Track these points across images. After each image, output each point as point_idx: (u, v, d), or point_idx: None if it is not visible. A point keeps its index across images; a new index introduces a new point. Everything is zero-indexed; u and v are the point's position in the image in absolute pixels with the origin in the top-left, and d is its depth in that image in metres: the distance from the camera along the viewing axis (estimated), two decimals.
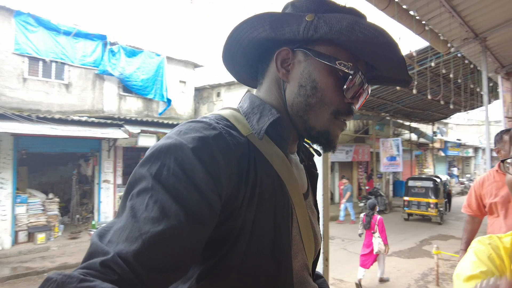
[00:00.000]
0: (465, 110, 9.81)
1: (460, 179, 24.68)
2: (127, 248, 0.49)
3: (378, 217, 5.57)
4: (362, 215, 5.80)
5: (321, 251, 1.73)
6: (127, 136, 8.92)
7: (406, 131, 17.54)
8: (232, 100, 13.68)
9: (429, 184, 11.69)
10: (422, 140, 19.02)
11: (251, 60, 0.80)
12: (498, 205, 2.52)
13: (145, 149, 10.40)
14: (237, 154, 0.63)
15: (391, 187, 15.95)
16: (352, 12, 0.70)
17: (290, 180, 0.71)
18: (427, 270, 6.22)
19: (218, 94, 14.47)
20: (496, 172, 2.58)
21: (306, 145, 0.90)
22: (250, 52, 0.77)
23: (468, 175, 24.34)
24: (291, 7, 0.73)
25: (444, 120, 20.92)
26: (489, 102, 4.79)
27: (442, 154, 23.21)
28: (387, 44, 0.67)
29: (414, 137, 18.02)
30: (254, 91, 0.82)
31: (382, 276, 5.56)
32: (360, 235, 5.62)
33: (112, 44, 10.78)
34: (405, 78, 0.76)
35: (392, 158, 14.17)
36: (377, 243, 5.32)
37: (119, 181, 10.25)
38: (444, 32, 3.60)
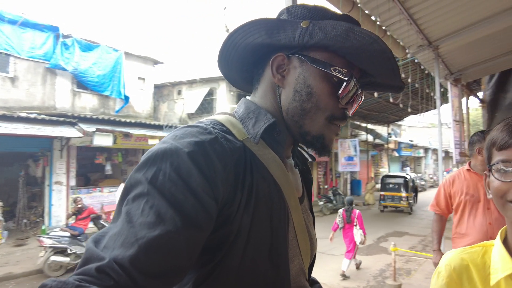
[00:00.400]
0: (420, 113, 10.38)
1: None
2: (123, 253, 0.49)
3: (357, 211, 6.09)
4: (341, 210, 6.26)
5: None
6: (81, 135, 8.40)
7: (363, 133, 18.28)
8: (193, 99, 13.43)
9: (401, 180, 13.82)
10: (377, 141, 19.94)
11: (246, 65, 0.80)
12: (467, 204, 2.56)
13: (101, 148, 9.90)
14: (233, 158, 0.63)
15: (348, 186, 16.55)
16: (346, 19, 0.71)
17: (286, 184, 0.72)
18: (384, 266, 6.49)
19: (179, 92, 14.14)
20: (467, 171, 2.63)
21: (301, 149, 0.91)
22: (246, 57, 0.77)
23: (419, 174, 25.85)
24: (286, 14, 0.75)
25: (398, 122, 22.08)
26: (441, 105, 5.08)
27: (396, 154, 24.47)
28: (381, 51, 0.67)
29: (370, 138, 18.82)
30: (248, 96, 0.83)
31: (345, 270, 5.88)
32: (340, 229, 6.16)
33: (66, 36, 10.15)
34: (398, 85, 0.78)
35: (350, 158, 14.71)
36: (358, 234, 5.84)
37: (73, 182, 9.64)
38: (403, 38, 3.77)
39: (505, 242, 0.79)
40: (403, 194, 13.49)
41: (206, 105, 13.47)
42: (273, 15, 0.80)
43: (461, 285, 0.80)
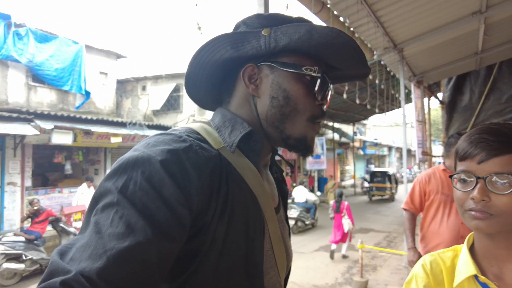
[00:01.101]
0: (384, 113, 10.78)
1: None
2: (91, 266, 0.47)
3: (346, 203, 6.90)
4: (331, 202, 7.16)
5: None
6: (38, 133, 7.85)
7: (330, 131, 18.67)
8: (159, 95, 13.04)
9: (386, 175, 17.15)
10: (343, 139, 20.46)
11: (215, 83, 0.80)
12: (442, 203, 2.59)
13: (59, 147, 9.35)
14: (208, 167, 0.62)
15: (316, 184, 16.85)
16: (302, 21, 0.73)
17: (262, 194, 0.71)
18: (351, 263, 6.64)
19: (144, 88, 13.69)
20: (443, 171, 2.66)
21: (277, 158, 0.90)
22: (214, 74, 0.77)
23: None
24: (243, 26, 0.75)
25: (363, 121, 22.78)
26: (404, 106, 5.24)
27: (361, 152, 25.24)
28: (346, 43, 0.69)
29: (336, 136, 19.26)
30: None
31: (344, 253, 6.86)
32: (331, 218, 7.02)
33: (18, 26, 9.46)
34: (365, 72, 0.80)
35: (317, 156, 14.98)
36: (346, 223, 6.62)
37: (28, 183, 9.01)
38: (370, 40, 3.83)
39: (472, 247, 0.85)
40: (388, 185, 16.85)
41: (173, 102, 13.14)
42: (244, 12, 0.76)
43: (435, 285, 0.84)
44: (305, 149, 0.74)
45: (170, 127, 11.80)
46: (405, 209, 2.85)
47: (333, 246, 6.83)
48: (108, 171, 0.59)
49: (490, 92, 6.09)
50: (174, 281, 0.61)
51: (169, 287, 0.61)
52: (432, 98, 7.77)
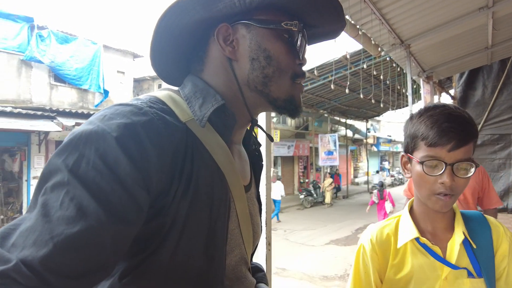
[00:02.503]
0: (393, 109, 10.75)
1: (390, 172, 26.89)
2: (34, 254, 0.43)
3: (387, 191, 8.42)
4: (375, 191, 8.59)
5: (264, 236, 1.83)
6: (60, 129, 8.28)
7: (342, 128, 18.64)
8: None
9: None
10: (357, 136, 20.39)
11: (183, 52, 0.72)
12: None
13: None
14: (172, 143, 0.57)
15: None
16: None
17: (230, 172, 0.67)
18: None
19: (160, 86, 14.03)
20: None
21: (253, 133, 0.86)
22: (183, 41, 0.69)
23: (397, 168, 26.60)
24: None
25: (377, 118, 22.60)
26: (413, 102, 5.31)
27: (375, 149, 25.05)
28: None
29: (349, 133, 19.22)
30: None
31: None
32: (376, 203, 8.38)
33: (41, 28, 9.89)
34: (341, 26, 0.75)
35: (330, 153, 15.01)
36: (388, 206, 7.92)
37: None
38: (375, 37, 3.93)
39: (411, 211, 0.96)
40: None
41: None
42: None
43: (382, 254, 0.93)
44: (295, 109, 0.71)
45: None
46: (406, 196, 3.10)
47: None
48: None
49: (503, 86, 6.07)
50: (130, 261, 0.58)
51: (125, 267, 0.58)
52: (443, 94, 7.76)
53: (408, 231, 0.91)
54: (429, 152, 0.83)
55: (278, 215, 11.11)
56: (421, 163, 0.84)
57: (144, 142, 0.53)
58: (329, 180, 14.44)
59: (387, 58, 5.39)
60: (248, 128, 0.80)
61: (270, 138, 0.90)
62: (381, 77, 4.63)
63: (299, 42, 0.68)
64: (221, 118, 0.67)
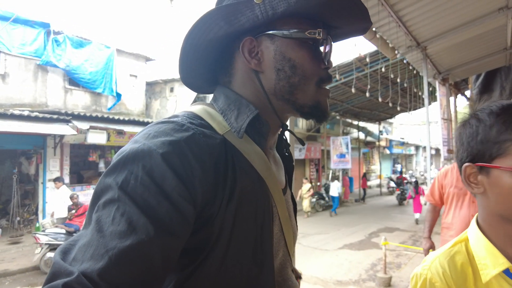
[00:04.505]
0: (409, 111, 10.64)
1: (403, 176, 26.49)
2: (93, 267, 0.46)
3: (422, 187, 10.84)
4: (411, 187, 11.22)
5: None
6: (75, 133, 8.40)
7: (355, 130, 18.48)
8: (186, 96, 13.44)
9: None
10: (369, 138, 20.17)
11: (209, 64, 0.74)
12: (455, 196, 2.74)
13: (94, 146, 9.90)
14: (213, 156, 0.59)
15: (340, 183, 16.74)
16: None
17: (269, 178, 0.69)
18: (375, 261, 6.64)
19: (172, 89, 14.12)
20: (459, 165, 2.78)
21: (285, 136, 0.87)
22: (209, 55, 0.72)
23: (410, 171, 26.21)
24: None
25: (389, 120, 22.35)
26: (429, 104, 5.24)
27: (388, 152, 24.77)
28: None
29: (362, 135, 19.03)
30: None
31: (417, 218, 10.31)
32: (412, 198, 11.04)
33: (57, 33, 10.07)
34: (367, 26, 0.74)
35: (342, 156, 14.88)
36: (423, 200, 8.34)
37: (66, 180, 9.62)
38: (392, 39, 3.89)
39: (483, 233, 0.77)
40: None
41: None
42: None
43: None
44: (322, 115, 0.71)
45: None
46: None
47: (416, 215, 10.51)
48: None
49: None
50: (182, 272, 0.60)
51: (177, 278, 0.60)
52: (459, 95, 7.62)
53: (492, 260, 0.72)
54: None
55: (336, 210, 12.82)
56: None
57: (188, 157, 0.55)
58: (307, 186, 12.62)
59: (404, 61, 5.32)
60: (279, 133, 0.82)
61: (301, 142, 0.89)
62: (398, 80, 4.57)
63: (324, 48, 0.69)
64: (255, 127, 0.69)
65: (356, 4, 0.66)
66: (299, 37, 0.66)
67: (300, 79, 0.67)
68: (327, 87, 0.74)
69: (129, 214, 0.50)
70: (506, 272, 0.70)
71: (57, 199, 7.49)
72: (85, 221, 0.54)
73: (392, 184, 19.71)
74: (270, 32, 0.67)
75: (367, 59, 6.98)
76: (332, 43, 0.72)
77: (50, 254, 6.02)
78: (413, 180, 12.53)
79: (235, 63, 0.71)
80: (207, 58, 0.72)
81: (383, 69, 5.92)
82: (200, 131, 0.60)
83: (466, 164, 0.76)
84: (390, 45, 4.04)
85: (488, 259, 0.72)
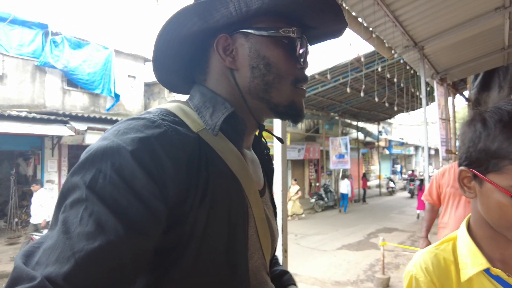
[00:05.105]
0: (407, 111, 10.64)
1: (403, 176, 26.51)
2: (58, 270, 0.44)
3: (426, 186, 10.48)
4: (416, 185, 9.60)
5: (281, 243, 1.79)
6: (73, 134, 8.39)
7: (354, 130, 18.47)
8: (184, 96, 13.43)
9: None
10: (368, 139, 20.16)
11: (184, 61, 0.73)
12: (451, 195, 2.74)
13: None
14: (186, 154, 0.57)
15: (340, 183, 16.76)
16: None
17: (245, 178, 0.67)
18: (374, 261, 6.63)
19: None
20: (458, 165, 2.79)
21: (263, 138, 0.85)
22: (183, 52, 0.71)
23: (409, 172, 26.21)
24: None
25: (389, 120, 22.35)
26: (427, 104, 5.22)
27: (387, 152, 24.76)
28: None
29: (361, 136, 19.02)
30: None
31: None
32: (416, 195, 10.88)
33: (55, 34, 10.06)
34: (342, 27, 0.73)
35: (341, 156, 14.86)
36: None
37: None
38: (388, 39, 3.88)
39: (469, 231, 0.78)
40: None
41: None
42: None
43: (441, 286, 0.75)
44: (297, 114, 0.71)
45: None
46: (425, 201, 3.04)
47: (419, 211, 10.71)
48: None
49: None
50: (153, 273, 0.58)
51: (148, 279, 0.59)
52: (458, 95, 7.62)
53: (473, 260, 0.74)
54: None
55: (346, 207, 13.38)
56: (508, 193, 0.64)
57: (159, 154, 0.54)
58: (295, 188, 11.97)
59: (401, 61, 5.31)
60: (257, 134, 0.80)
61: (280, 140, 0.88)
62: (395, 79, 4.56)
63: (298, 47, 0.68)
64: (231, 125, 0.68)
65: (329, 3, 0.65)
66: (274, 35, 0.66)
67: (275, 77, 0.67)
68: (304, 87, 0.73)
69: (98, 214, 0.48)
70: (487, 272, 0.72)
71: (33, 203, 6.92)
72: (51, 222, 0.52)
73: (392, 184, 19.74)
74: (245, 30, 0.66)
75: (362, 59, 6.97)
76: (308, 43, 0.72)
77: None
78: (421, 177, 13.14)
79: (210, 60, 0.71)
80: (183, 55, 0.71)
81: (379, 69, 5.92)
82: (173, 128, 0.58)
83: (462, 168, 0.74)
84: (387, 45, 4.03)
85: (469, 259, 0.74)
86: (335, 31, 0.75)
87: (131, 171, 0.51)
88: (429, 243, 2.95)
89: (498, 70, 6.12)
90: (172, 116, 0.62)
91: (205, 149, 0.62)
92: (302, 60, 0.70)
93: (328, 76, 7.17)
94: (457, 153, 2.71)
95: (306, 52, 0.71)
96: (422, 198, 3.09)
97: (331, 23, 0.72)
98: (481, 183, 0.70)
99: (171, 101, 0.71)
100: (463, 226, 0.80)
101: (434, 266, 0.77)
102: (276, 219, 0.84)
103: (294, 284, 0.89)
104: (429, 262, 0.78)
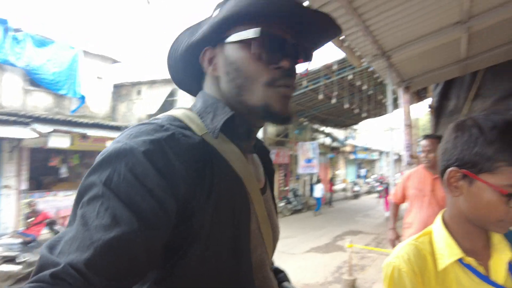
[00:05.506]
0: (373, 117, 11.06)
1: (367, 180, 27.43)
2: (79, 257, 0.49)
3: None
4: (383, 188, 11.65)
5: None
6: (35, 136, 7.94)
7: (322, 136, 18.92)
8: (154, 99, 13.17)
9: None
10: (335, 144, 20.73)
11: (191, 73, 0.82)
12: (415, 197, 2.95)
13: (56, 150, 9.42)
14: (192, 154, 0.62)
15: (308, 188, 17.07)
16: None
17: (248, 177, 0.72)
18: (341, 263, 6.82)
19: (139, 92, 13.78)
20: (423, 169, 3.02)
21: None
22: (188, 60, 0.79)
23: (374, 176, 27.17)
24: (217, 9, 0.76)
25: (354, 126, 23.10)
26: (392, 111, 5.48)
27: (353, 157, 25.55)
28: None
29: (328, 141, 19.53)
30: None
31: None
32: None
33: (16, 30, 9.52)
34: (323, 22, 0.74)
35: (309, 161, 15.17)
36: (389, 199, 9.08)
37: (24, 186, 9.06)
38: (359, 48, 4.05)
39: (444, 226, 0.86)
40: None
41: (168, 106, 13.28)
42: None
43: (421, 275, 0.81)
44: (273, 116, 0.70)
45: None
46: (392, 200, 3.37)
47: (386, 213, 10.98)
48: None
49: (475, 97, 6.39)
50: (163, 266, 0.62)
51: (157, 272, 0.63)
52: (421, 103, 8.05)
53: (449, 251, 0.82)
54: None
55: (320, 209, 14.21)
56: (503, 191, 0.73)
57: (168, 154, 0.59)
58: None
59: (369, 69, 5.54)
60: (255, 136, 0.85)
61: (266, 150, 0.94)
62: (364, 87, 4.76)
63: (257, 48, 0.68)
64: (232, 128, 0.73)
65: (292, 2, 0.67)
66: (238, 39, 0.69)
67: (245, 80, 0.70)
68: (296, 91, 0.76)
69: (113, 209, 0.53)
70: (461, 261, 0.81)
71: None
72: (69, 219, 0.56)
73: (357, 188, 20.37)
74: (221, 40, 0.73)
75: (334, 67, 7.21)
76: (281, 41, 0.70)
77: (3, 267, 5.54)
78: (387, 181, 13.53)
79: (204, 70, 0.78)
80: (187, 62, 0.80)
81: (350, 77, 6.14)
82: (180, 131, 0.64)
83: (453, 168, 0.81)
84: (357, 54, 4.21)
85: (446, 250, 0.83)
86: (322, 29, 0.76)
87: (144, 169, 0.56)
88: (397, 234, 3.32)
89: (456, 80, 6.55)
90: (178, 121, 0.68)
91: (209, 150, 0.67)
92: (270, 59, 0.69)
93: (305, 82, 7.32)
94: (421, 156, 2.91)
95: (279, 49, 0.69)
96: (389, 198, 3.39)
97: (313, 21, 0.73)
98: (472, 183, 0.78)
99: (177, 108, 0.77)
100: (439, 221, 0.89)
101: (415, 256, 0.83)
102: (277, 215, 0.88)
103: (289, 281, 0.95)
104: (411, 253, 0.84)
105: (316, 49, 0.82)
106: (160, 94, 13.17)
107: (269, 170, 0.90)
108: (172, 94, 13.14)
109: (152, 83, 13.43)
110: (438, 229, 0.88)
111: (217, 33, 0.72)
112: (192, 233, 0.61)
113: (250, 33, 0.68)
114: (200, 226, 0.61)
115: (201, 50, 0.76)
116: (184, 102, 12.78)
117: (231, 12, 0.67)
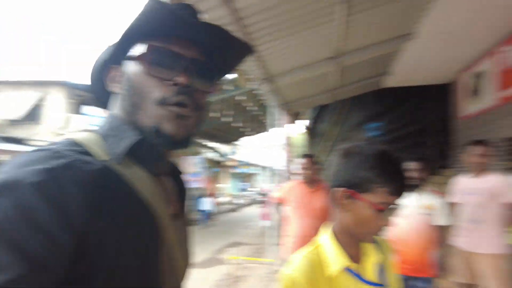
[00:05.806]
0: (254, 134, 11.76)
1: (247, 193, 28.76)
2: None
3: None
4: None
5: None
6: None
7: (208, 150, 19.13)
8: (19, 103, 11.25)
9: None
10: (220, 158, 21.20)
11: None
12: (294, 209, 3.31)
13: None
14: (92, 182, 0.56)
15: (193, 202, 16.91)
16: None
17: (157, 203, 0.67)
18: (222, 276, 6.89)
19: None
20: (301, 183, 3.38)
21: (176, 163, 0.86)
22: (102, 79, 0.78)
23: (255, 189, 28.69)
24: None
25: (237, 142, 24.12)
26: (272, 130, 5.96)
27: (236, 171, 26.50)
28: (165, 12, 0.63)
29: (214, 155, 19.85)
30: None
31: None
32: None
33: None
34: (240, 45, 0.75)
35: (195, 175, 15.13)
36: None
37: None
38: (249, 71, 4.34)
39: (333, 237, 1.00)
40: None
41: (34, 112, 11.51)
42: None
43: (314, 284, 0.92)
44: (163, 138, 0.65)
45: (26, 140, 10.27)
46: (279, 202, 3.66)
47: (265, 223, 9.05)
48: None
49: (343, 121, 7.54)
50: None
51: None
52: (298, 123, 8.97)
53: (338, 259, 0.96)
54: (388, 199, 0.90)
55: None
56: (377, 208, 0.90)
57: (63, 184, 0.53)
58: None
59: (253, 91, 5.92)
60: (168, 159, 0.79)
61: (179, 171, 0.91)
62: (248, 107, 5.05)
63: (160, 62, 0.66)
64: (140, 151, 0.67)
65: (173, 14, 0.64)
66: (134, 56, 0.68)
67: (137, 97, 0.66)
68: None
69: None
70: (348, 270, 0.95)
71: None
72: None
73: (239, 201, 21.22)
74: (122, 59, 0.72)
75: (224, 87, 7.49)
76: (173, 56, 0.67)
77: None
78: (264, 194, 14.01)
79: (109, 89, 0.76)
80: (104, 86, 0.77)
81: (237, 97, 6.44)
82: (78, 158, 0.58)
83: (342, 188, 0.95)
84: (245, 76, 4.48)
85: (334, 259, 0.96)
86: (232, 48, 0.74)
87: (32, 204, 0.49)
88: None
89: (329, 106, 7.59)
90: (78, 146, 0.62)
91: (113, 178, 0.61)
92: (172, 74, 0.65)
93: None
94: (300, 173, 3.27)
95: (181, 66, 0.66)
96: (266, 207, 3.68)
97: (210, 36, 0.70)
98: (355, 201, 0.93)
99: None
100: (329, 233, 1.02)
101: (307, 266, 0.95)
102: (190, 243, 0.84)
103: None
104: (305, 264, 0.96)
105: (231, 68, 0.80)
106: (27, 97, 11.33)
107: (182, 193, 0.85)
108: (41, 99, 11.43)
109: (19, 84, 11.46)
110: (328, 240, 1.00)
111: (120, 51, 0.70)
112: (93, 266, 0.55)
113: (139, 48, 0.67)
114: (101, 259, 0.56)
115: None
116: (55, 109, 11.29)
117: (126, 30, 0.66)
